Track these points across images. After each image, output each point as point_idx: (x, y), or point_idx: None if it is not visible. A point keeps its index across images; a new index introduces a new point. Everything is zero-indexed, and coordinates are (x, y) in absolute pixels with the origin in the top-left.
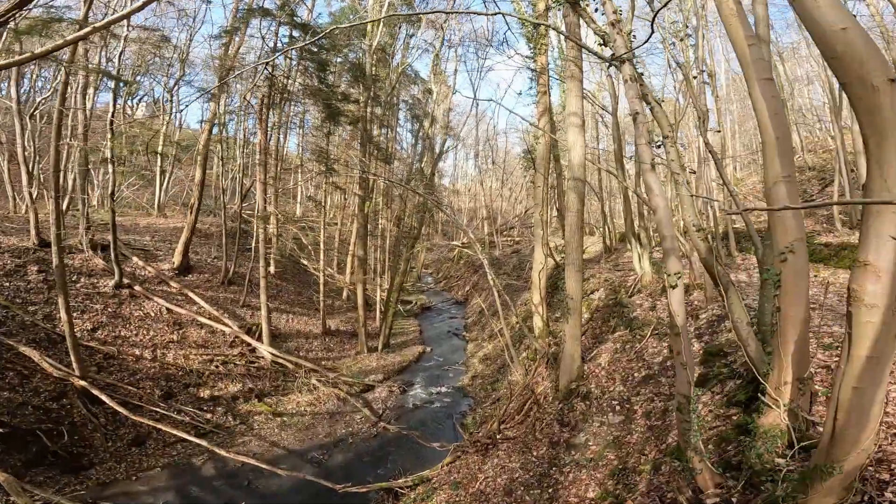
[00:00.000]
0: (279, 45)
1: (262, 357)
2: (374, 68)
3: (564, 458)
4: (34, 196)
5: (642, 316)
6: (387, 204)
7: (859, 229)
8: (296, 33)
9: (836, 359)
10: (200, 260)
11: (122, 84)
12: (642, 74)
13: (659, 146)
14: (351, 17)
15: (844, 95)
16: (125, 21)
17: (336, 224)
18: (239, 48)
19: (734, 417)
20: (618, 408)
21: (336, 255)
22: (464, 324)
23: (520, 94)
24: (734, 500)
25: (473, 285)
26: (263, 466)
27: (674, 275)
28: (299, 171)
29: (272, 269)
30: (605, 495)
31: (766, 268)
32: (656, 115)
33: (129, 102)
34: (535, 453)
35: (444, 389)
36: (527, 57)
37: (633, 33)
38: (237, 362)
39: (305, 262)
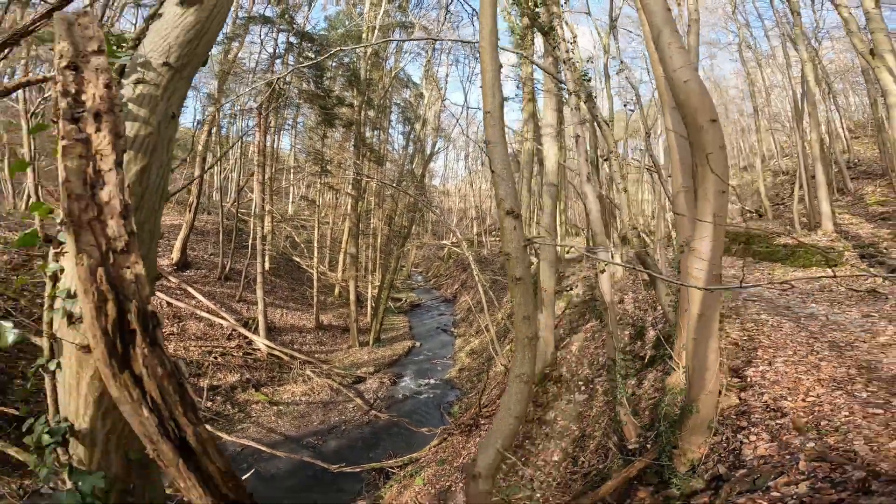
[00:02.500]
0: (278, 50)
1: (259, 349)
2: (368, 72)
3: (536, 432)
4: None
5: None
6: (378, 204)
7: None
8: (293, 39)
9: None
10: (198, 256)
11: None
12: (595, 96)
13: (606, 159)
14: (347, 23)
15: (806, 103)
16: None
17: (328, 223)
18: (238, 52)
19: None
20: (583, 388)
21: (328, 253)
22: (452, 320)
23: (507, 99)
24: (648, 445)
25: (462, 283)
26: (264, 449)
27: (602, 263)
28: (293, 171)
29: (267, 265)
30: (565, 457)
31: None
32: (604, 133)
33: None
34: (547, 416)
35: (432, 381)
36: (512, 66)
37: (591, 60)
38: (234, 354)
39: (298, 260)
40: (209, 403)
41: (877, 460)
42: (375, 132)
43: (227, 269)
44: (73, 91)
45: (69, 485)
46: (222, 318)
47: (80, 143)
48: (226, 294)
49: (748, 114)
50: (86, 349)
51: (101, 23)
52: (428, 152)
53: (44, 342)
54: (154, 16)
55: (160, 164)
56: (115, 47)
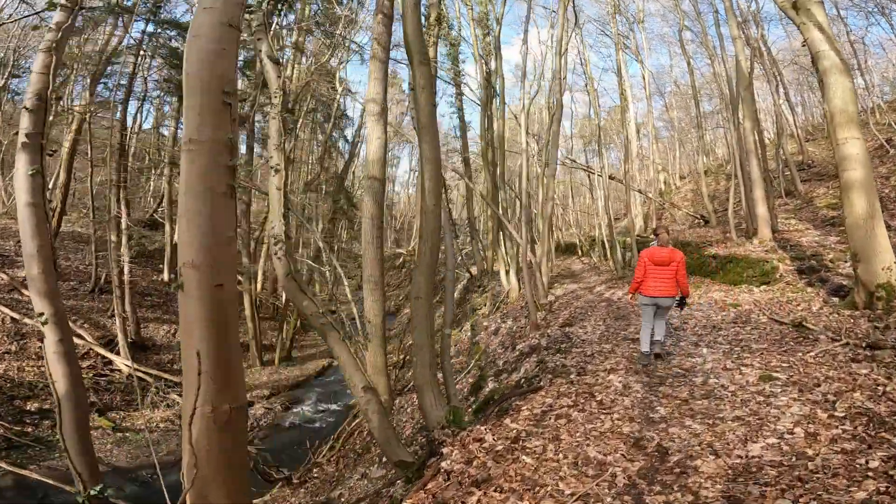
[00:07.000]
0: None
1: (118, 370)
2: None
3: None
4: None
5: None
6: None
7: None
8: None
9: None
10: (70, 267)
11: None
12: None
13: None
14: None
15: (740, 86)
16: None
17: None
18: (108, 43)
19: None
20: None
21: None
22: (388, 335)
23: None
24: None
25: (407, 295)
26: (50, 482)
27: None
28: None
29: (165, 276)
30: None
31: None
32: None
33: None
34: (335, 493)
35: (333, 407)
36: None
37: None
38: (83, 375)
39: None
40: (29, 429)
41: None
42: (291, 133)
43: (103, 280)
44: None
45: None
46: (76, 335)
47: None
48: (95, 308)
49: (712, 111)
50: None
51: None
52: (348, 154)
53: None
54: None
55: None
56: None
